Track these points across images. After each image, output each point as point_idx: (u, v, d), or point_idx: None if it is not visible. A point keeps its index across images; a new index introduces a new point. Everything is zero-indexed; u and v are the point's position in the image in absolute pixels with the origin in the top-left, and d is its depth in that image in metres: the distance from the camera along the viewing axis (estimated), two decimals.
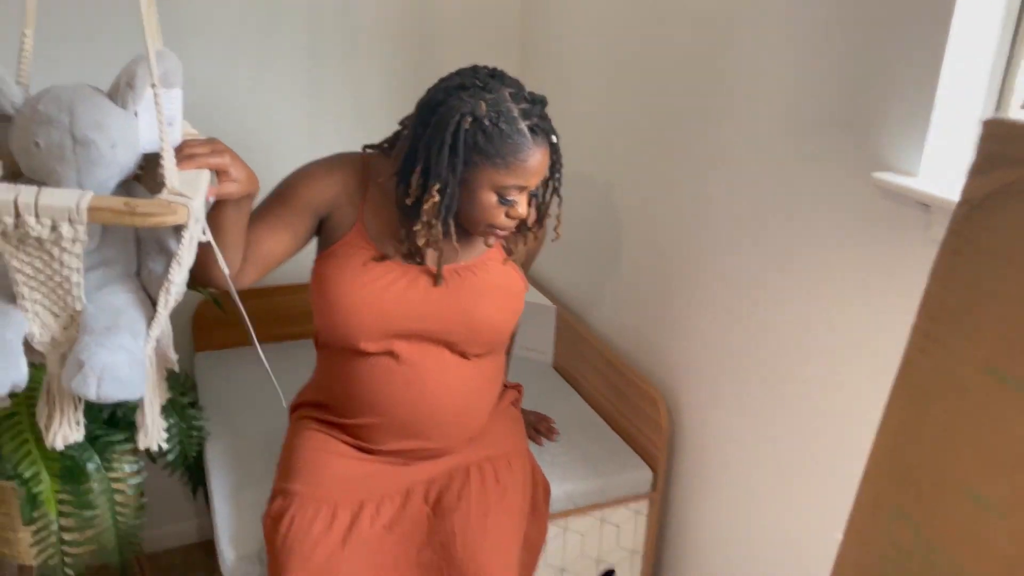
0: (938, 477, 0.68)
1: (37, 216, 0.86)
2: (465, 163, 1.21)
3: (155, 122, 0.96)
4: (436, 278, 1.31)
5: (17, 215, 0.86)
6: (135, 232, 1.04)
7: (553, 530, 1.58)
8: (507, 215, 1.25)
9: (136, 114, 0.96)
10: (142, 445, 1.06)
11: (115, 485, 1.56)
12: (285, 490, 1.34)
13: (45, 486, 1.38)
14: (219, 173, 1.05)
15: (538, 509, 1.51)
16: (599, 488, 1.62)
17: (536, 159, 1.22)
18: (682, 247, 1.60)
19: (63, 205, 0.87)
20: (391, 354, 1.33)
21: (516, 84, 1.24)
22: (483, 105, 1.18)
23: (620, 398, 1.77)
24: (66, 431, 1.06)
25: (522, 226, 1.35)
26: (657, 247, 1.68)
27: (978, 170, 0.65)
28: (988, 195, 0.64)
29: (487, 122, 1.18)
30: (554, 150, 1.26)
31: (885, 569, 0.73)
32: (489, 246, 1.35)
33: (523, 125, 1.20)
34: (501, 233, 1.29)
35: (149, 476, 1.73)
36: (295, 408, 1.50)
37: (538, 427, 1.72)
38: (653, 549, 1.74)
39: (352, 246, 1.31)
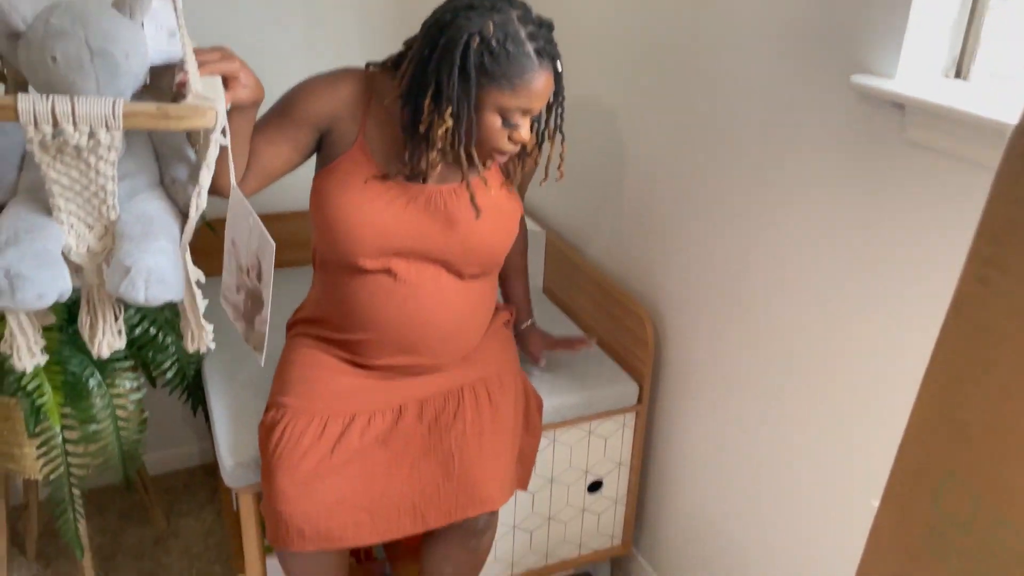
0: (1004, 433, 0.55)
1: (75, 124, 0.88)
2: (467, 81, 1.20)
3: (159, 33, 0.98)
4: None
5: (55, 123, 0.88)
6: (153, 143, 1.07)
7: (542, 442, 1.64)
8: (510, 138, 1.26)
9: (142, 25, 0.97)
10: (191, 348, 1.10)
11: (116, 401, 1.61)
12: (279, 403, 1.38)
13: (48, 398, 1.42)
14: (228, 80, 1.07)
15: (531, 423, 1.56)
16: (586, 401, 1.67)
17: (541, 82, 1.22)
18: (669, 169, 1.62)
19: (100, 111, 0.89)
20: (388, 271, 1.35)
21: (523, 6, 1.23)
22: (491, 25, 1.18)
23: (608, 318, 1.81)
24: (110, 339, 1.10)
25: (522, 151, 1.36)
26: (646, 171, 1.70)
27: None
28: None
29: (494, 43, 1.18)
30: (558, 76, 1.26)
31: (936, 545, 0.60)
32: (486, 168, 1.35)
33: (530, 48, 1.20)
34: (502, 158, 1.31)
35: (151, 402, 1.79)
36: (291, 326, 1.54)
37: (573, 343, 1.72)
38: (640, 461, 1.80)
39: (353, 162, 1.32)
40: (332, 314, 1.43)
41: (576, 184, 1.95)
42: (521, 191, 1.53)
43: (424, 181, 1.32)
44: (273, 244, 1.06)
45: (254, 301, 1.14)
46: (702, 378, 1.62)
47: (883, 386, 1.22)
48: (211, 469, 2.25)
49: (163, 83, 1.09)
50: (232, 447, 1.46)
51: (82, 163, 0.93)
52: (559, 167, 1.37)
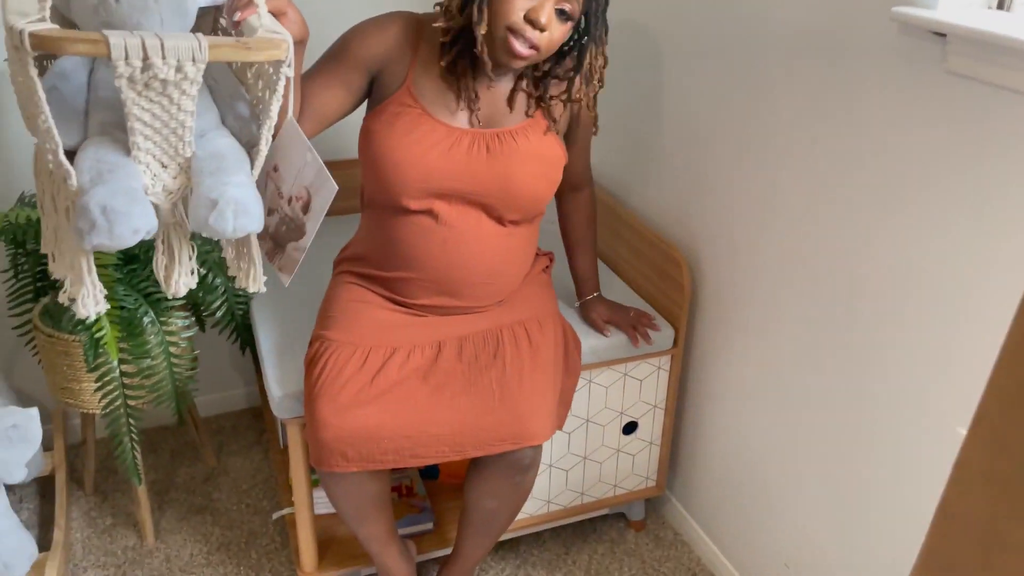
0: None
1: (164, 57, 0.91)
2: None
3: None
4: (471, 115, 1.36)
5: (145, 57, 0.91)
6: (208, 84, 1.11)
7: (578, 383, 1.67)
8: (527, 18, 1.24)
9: None
10: (251, 288, 1.14)
11: (169, 339, 1.67)
12: (322, 336, 1.43)
13: (107, 332, 1.48)
14: (277, 16, 1.10)
15: (571, 364, 1.59)
16: (622, 343, 1.69)
17: None
18: (708, 112, 1.62)
19: (188, 44, 0.93)
20: (431, 213, 1.39)
21: None
22: None
23: (644, 262, 1.83)
24: (186, 278, 1.16)
25: (554, 69, 1.37)
26: (685, 115, 1.71)
27: None
28: None
29: None
30: None
31: None
32: (508, 64, 1.30)
33: None
34: (518, 46, 1.26)
35: (200, 347, 1.85)
36: (337, 263, 1.59)
37: (636, 324, 1.71)
38: (674, 404, 1.83)
39: (400, 104, 1.35)
40: (376, 253, 1.48)
41: (616, 132, 1.96)
42: (580, 148, 1.56)
43: (470, 107, 1.35)
44: (335, 187, 1.11)
45: (289, 228, 1.19)
46: (738, 321, 1.64)
47: (924, 312, 1.23)
48: (257, 412, 2.32)
49: (203, 25, 1.13)
50: (280, 380, 1.52)
51: (165, 98, 0.97)
52: (594, 122, 1.43)
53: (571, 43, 1.34)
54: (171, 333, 1.68)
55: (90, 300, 1.09)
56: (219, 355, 2.22)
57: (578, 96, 1.38)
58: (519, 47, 1.26)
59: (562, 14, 1.26)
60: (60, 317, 1.69)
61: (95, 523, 1.94)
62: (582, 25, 1.31)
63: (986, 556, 0.58)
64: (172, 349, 1.68)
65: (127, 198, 0.98)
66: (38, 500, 1.99)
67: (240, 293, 1.79)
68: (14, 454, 1.55)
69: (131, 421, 1.60)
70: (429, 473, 1.93)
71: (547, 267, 1.67)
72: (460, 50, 1.32)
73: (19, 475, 1.58)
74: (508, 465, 1.49)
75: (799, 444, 1.53)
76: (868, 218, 1.29)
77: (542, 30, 1.24)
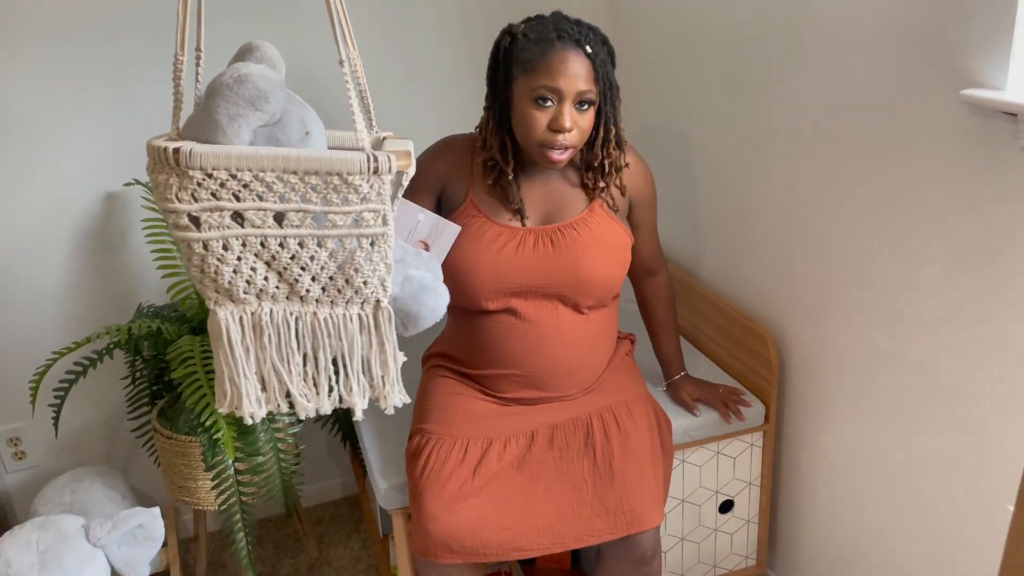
0: None
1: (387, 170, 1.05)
2: (505, 79, 1.36)
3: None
4: (522, 219, 1.46)
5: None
6: None
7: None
8: (550, 127, 1.34)
9: None
10: (392, 404, 1.15)
11: (276, 435, 1.77)
12: (422, 430, 1.50)
13: (223, 432, 1.58)
14: None
15: (665, 445, 1.61)
16: (713, 421, 1.71)
17: (562, 59, 1.31)
18: (779, 186, 1.67)
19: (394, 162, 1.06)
20: (509, 310, 1.47)
21: (572, 20, 1.36)
22: (523, 25, 1.36)
23: (728, 339, 1.86)
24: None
25: (604, 166, 1.45)
26: (749, 190, 1.76)
27: None
28: None
29: (520, 35, 1.34)
30: (594, 60, 1.33)
31: None
32: (552, 168, 1.42)
33: (553, 34, 1.32)
34: (555, 154, 1.36)
35: (299, 440, 1.94)
36: (426, 359, 1.67)
37: (727, 400, 1.73)
38: (770, 480, 1.82)
39: (466, 216, 1.46)
40: (461, 350, 1.56)
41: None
42: (645, 231, 1.60)
43: (522, 219, 1.46)
44: (457, 227, 1.37)
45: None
46: (829, 394, 1.65)
47: (1011, 389, 1.23)
48: (354, 501, 2.39)
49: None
50: (384, 472, 1.58)
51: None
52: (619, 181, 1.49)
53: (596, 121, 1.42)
54: (279, 430, 1.77)
55: (254, 399, 1.11)
56: (317, 446, 2.31)
57: (618, 161, 1.46)
58: (555, 155, 1.36)
59: (582, 104, 1.35)
60: (176, 419, 1.81)
61: None
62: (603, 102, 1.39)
63: None
64: (280, 445, 1.77)
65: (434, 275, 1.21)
66: None
67: None
68: (141, 553, 1.64)
69: (245, 516, 1.69)
70: (527, 560, 1.95)
71: (630, 351, 1.71)
72: (500, 170, 1.44)
73: (144, 573, 1.67)
74: (631, 559, 1.50)
75: (900, 517, 1.51)
76: (954, 290, 1.30)
77: (569, 131, 1.34)
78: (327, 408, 1.12)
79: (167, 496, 2.11)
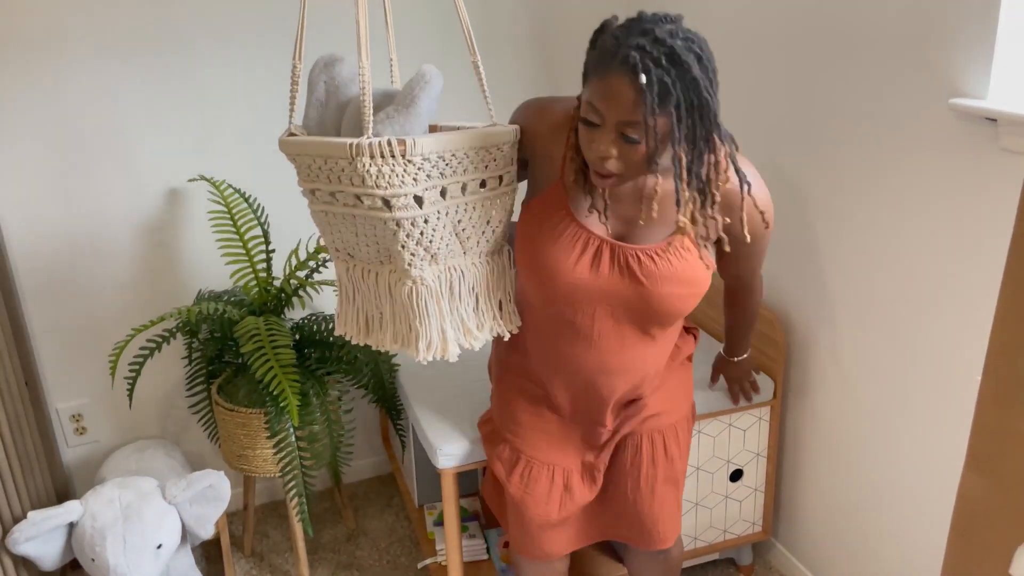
0: None
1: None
2: (583, 74, 1.19)
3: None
4: (602, 219, 1.32)
5: None
6: None
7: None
8: (589, 148, 1.19)
9: None
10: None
11: (330, 407, 1.94)
12: (513, 446, 1.58)
13: (290, 401, 1.75)
14: None
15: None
16: (726, 396, 1.90)
17: (609, 84, 1.12)
18: (790, 184, 1.87)
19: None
20: (572, 319, 1.40)
21: (673, 27, 1.13)
22: (615, 24, 1.17)
23: None
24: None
25: (636, 168, 1.20)
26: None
27: None
28: None
29: (600, 36, 1.17)
30: (649, 91, 1.10)
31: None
32: (598, 193, 1.31)
33: (615, 48, 1.12)
34: (598, 179, 1.23)
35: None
36: (496, 348, 1.66)
37: (743, 384, 1.84)
38: (776, 452, 2.01)
39: (551, 200, 1.34)
40: (525, 348, 1.54)
41: None
42: (737, 256, 1.41)
43: (604, 218, 1.32)
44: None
45: None
46: (830, 373, 1.84)
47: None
48: (385, 479, 2.56)
49: None
50: (439, 436, 1.76)
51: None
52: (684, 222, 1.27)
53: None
54: (332, 403, 1.95)
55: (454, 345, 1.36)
56: (350, 428, 2.47)
57: (687, 203, 1.24)
58: (599, 180, 1.23)
59: (627, 139, 1.16)
60: (235, 393, 1.98)
61: None
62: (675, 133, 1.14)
63: None
64: (332, 417, 1.94)
65: None
66: (204, 563, 2.24)
67: (391, 364, 2.07)
68: (210, 511, 1.81)
69: (306, 480, 1.86)
70: None
71: (690, 355, 1.67)
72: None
73: (210, 531, 1.84)
74: (657, 561, 1.74)
75: (896, 486, 1.70)
76: (942, 276, 1.50)
77: (607, 159, 1.18)
78: (487, 338, 1.41)
79: (222, 466, 2.28)
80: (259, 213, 2.07)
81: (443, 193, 1.27)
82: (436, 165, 1.23)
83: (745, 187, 1.28)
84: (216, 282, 2.19)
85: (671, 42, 1.11)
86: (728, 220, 1.31)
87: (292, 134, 1.35)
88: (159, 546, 1.72)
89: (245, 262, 2.02)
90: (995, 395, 0.74)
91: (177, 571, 1.85)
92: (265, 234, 2.05)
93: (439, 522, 2.14)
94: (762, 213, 1.35)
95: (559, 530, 1.63)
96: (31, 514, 1.65)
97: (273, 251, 2.06)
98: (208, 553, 2.24)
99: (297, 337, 2.01)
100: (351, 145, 1.19)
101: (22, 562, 1.74)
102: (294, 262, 2.05)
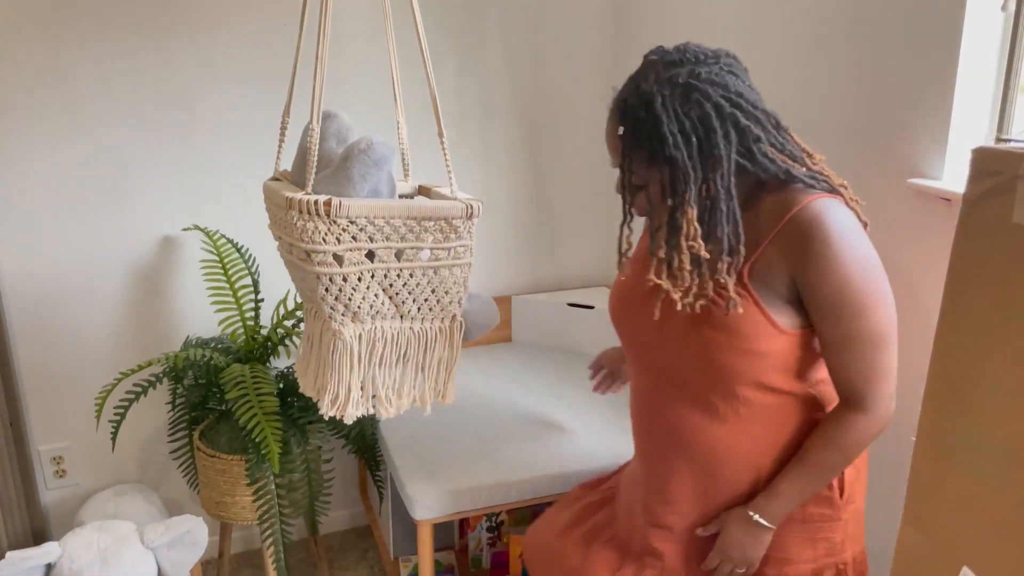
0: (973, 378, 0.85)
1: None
2: None
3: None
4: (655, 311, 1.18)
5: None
6: None
7: None
8: None
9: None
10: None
11: (310, 456, 1.97)
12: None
13: (272, 449, 1.78)
14: None
15: None
16: None
17: (607, 128, 1.17)
18: None
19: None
20: (638, 380, 1.33)
21: (642, 76, 1.11)
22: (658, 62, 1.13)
23: None
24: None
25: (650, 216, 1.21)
26: None
27: (971, 180, 0.95)
28: (979, 195, 0.93)
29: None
30: (624, 136, 1.11)
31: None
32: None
33: (618, 93, 1.14)
34: (640, 214, 1.20)
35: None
36: None
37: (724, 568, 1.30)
38: None
39: (636, 260, 1.32)
40: None
41: None
42: (830, 343, 1.16)
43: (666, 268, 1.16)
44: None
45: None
46: None
47: None
48: (360, 532, 2.57)
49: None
50: (414, 488, 1.79)
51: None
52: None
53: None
54: (312, 451, 1.98)
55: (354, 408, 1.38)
56: (329, 479, 2.49)
57: (691, 260, 1.11)
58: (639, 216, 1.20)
59: (633, 187, 1.15)
60: (217, 440, 2.01)
61: None
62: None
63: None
64: (311, 464, 1.97)
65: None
66: None
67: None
68: (187, 556, 1.82)
69: (284, 528, 1.88)
70: None
71: (829, 517, 1.26)
72: None
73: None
74: None
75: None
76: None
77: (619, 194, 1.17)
78: (406, 406, 1.38)
79: (199, 513, 2.29)
80: (250, 263, 2.13)
81: (370, 256, 1.30)
82: (364, 228, 1.26)
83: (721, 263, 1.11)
84: (204, 329, 2.24)
85: (684, 89, 1.07)
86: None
87: (275, 179, 1.43)
88: None
89: (234, 310, 2.07)
90: (928, 455, 0.80)
91: None
92: (255, 283, 2.10)
93: (414, 574, 2.16)
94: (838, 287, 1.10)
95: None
96: (9, 554, 1.67)
97: (262, 300, 2.12)
98: None
99: (281, 385, 2.05)
100: (287, 198, 1.26)
101: None
102: (282, 311, 2.10)
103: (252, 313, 2.10)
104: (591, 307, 2.41)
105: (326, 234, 1.24)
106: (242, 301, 2.09)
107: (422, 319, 1.36)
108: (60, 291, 2.09)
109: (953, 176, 1.44)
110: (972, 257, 0.92)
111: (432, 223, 1.30)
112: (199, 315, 2.22)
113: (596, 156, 2.51)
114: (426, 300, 1.35)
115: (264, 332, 2.09)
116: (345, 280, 1.28)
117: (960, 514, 0.82)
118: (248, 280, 2.13)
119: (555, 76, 2.42)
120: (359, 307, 1.30)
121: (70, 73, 1.96)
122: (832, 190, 1.17)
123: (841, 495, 1.26)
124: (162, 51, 2.02)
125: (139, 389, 1.97)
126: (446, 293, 1.36)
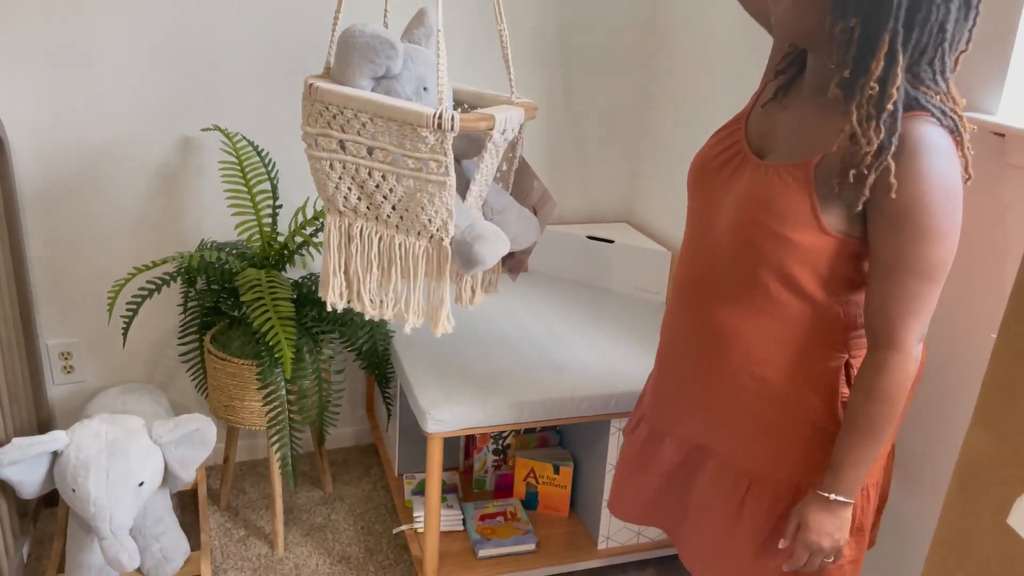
0: None
1: (510, 128, 1.39)
2: None
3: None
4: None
5: (504, 129, 1.35)
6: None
7: None
8: None
9: None
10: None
11: (322, 366, 1.96)
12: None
13: (285, 353, 1.76)
14: None
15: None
16: None
17: None
18: None
19: (518, 118, 1.42)
20: (678, 276, 1.37)
21: None
22: None
23: None
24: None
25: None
26: None
27: None
28: None
29: None
30: None
31: None
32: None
33: None
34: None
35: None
36: None
37: (798, 551, 1.22)
38: None
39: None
40: None
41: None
42: (872, 273, 1.12)
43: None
44: (556, 202, 1.55)
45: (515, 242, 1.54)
46: None
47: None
48: (366, 450, 2.58)
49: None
50: (429, 403, 1.77)
51: (499, 155, 1.39)
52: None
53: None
54: (323, 361, 1.96)
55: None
56: (339, 391, 2.49)
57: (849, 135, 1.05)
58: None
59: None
60: (229, 344, 1.99)
61: (230, 534, 2.19)
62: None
63: None
64: (323, 375, 1.96)
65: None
66: (180, 511, 2.25)
67: (386, 331, 2.08)
68: (194, 454, 1.82)
69: (292, 435, 1.87)
70: (530, 504, 2.15)
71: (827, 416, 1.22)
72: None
73: (192, 475, 1.84)
74: None
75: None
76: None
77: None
78: (389, 315, 1.38)
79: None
80: (270, 168, 2.08)
81: (342, 145, 1.33)
82: (336, 117, 1.30)
83: (889, 142, 1.03)
84: (219, 234, 2.20)
85: None
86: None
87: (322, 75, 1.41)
88: (140, 484, 1.72)
89: (251, 215, 2.03)
90: (1011, 352, 0.76)
91: (154, 512, 1.86)
92: (274, 189, 2.06)
93: (418, 491, 2.16)
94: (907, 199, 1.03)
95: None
96: (16, 440, 1.66)
97: (280, 206, 2.08)
98: (184, 503, 2.25)
99: (295, 295, 2.02)
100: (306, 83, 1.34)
101: (0, 489, 1.74)
102: (300, 219, 2.06)
103: (269, 220, 2.07)
104: (611, 241, 2.37)
105: (309, 115, 1.32)
106: (260, 206, 2.05)
107: (406, 231, 1.34)
108: (75, 183, 2.05)
109: (1009, 111, 1.39)
110: None
111: (397, 126, 1.27)
112: (215, 220, 2.18)
113: (632, 88, 2.45)
114: (407, 210, 1.32)
115: (281, 239, 2.06)
116: (318, 165, 1.33)
117: None
118: (267, 185, 2.09)
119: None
120: (332, 196, 1.34)
121: None
122: (955, 130, 1.09)
123: None
124: None
125: (152, 286, 1.94)
126: (422, 209, 1.31)
